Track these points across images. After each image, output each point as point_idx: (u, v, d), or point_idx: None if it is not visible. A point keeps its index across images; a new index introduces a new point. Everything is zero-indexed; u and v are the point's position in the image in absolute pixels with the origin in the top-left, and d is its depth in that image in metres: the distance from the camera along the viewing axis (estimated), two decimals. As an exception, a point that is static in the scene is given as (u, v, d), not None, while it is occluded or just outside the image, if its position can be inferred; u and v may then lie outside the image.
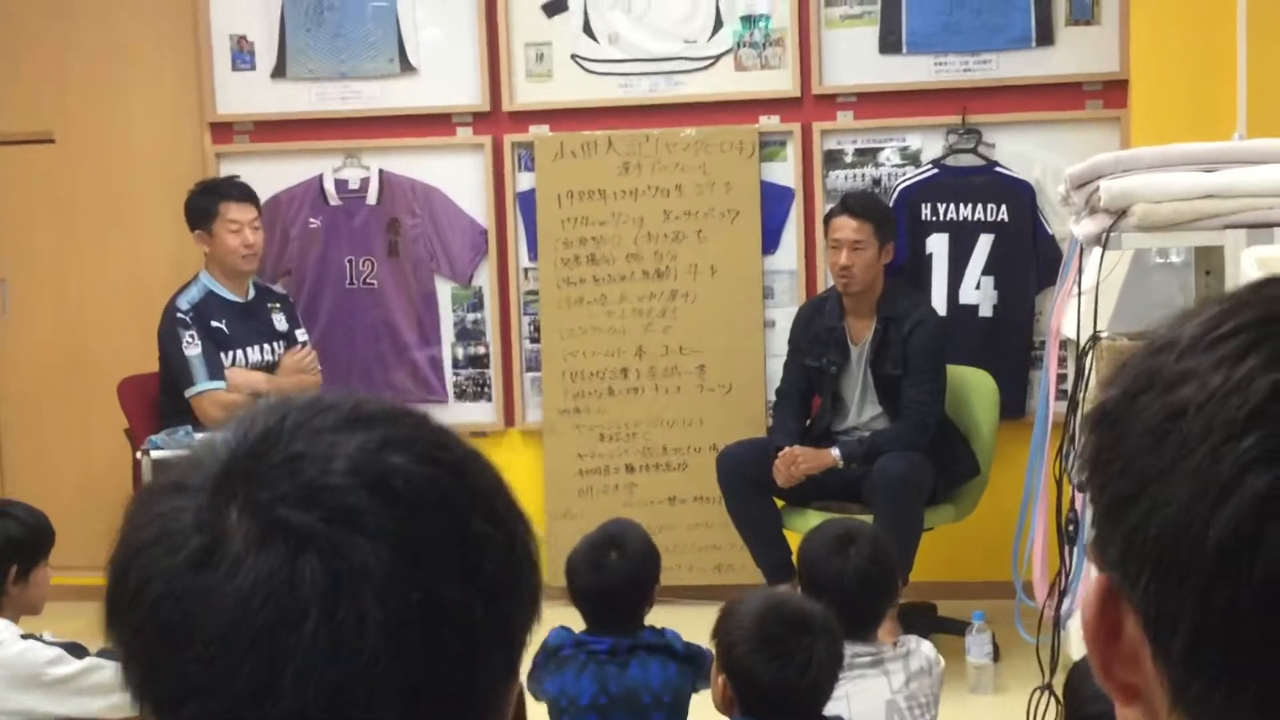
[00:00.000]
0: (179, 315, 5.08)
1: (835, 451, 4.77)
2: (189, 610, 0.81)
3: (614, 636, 3.29)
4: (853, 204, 4.89)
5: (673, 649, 3.34)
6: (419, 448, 0.86)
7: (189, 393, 5.00)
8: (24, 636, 3.25)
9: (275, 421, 0.86)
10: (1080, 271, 3.80)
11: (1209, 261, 3.76)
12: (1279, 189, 3.25)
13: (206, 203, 5.18)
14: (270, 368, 5.25)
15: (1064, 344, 4.20)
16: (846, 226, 4.82)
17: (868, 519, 4.58)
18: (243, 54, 5.68)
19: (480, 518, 0.86)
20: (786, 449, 4.79)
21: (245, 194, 5.25)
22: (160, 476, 0.88)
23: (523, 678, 3.27)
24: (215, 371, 5.03)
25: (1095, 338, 3.67)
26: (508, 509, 0.90)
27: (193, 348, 5.03)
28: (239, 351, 5.16)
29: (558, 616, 3.43)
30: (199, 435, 4.66)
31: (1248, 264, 2.32)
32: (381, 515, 0.82)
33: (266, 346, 5.24)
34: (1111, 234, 3.33)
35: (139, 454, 4.79)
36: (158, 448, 4.74)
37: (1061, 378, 4.36)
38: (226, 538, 0.81)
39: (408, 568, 0.81)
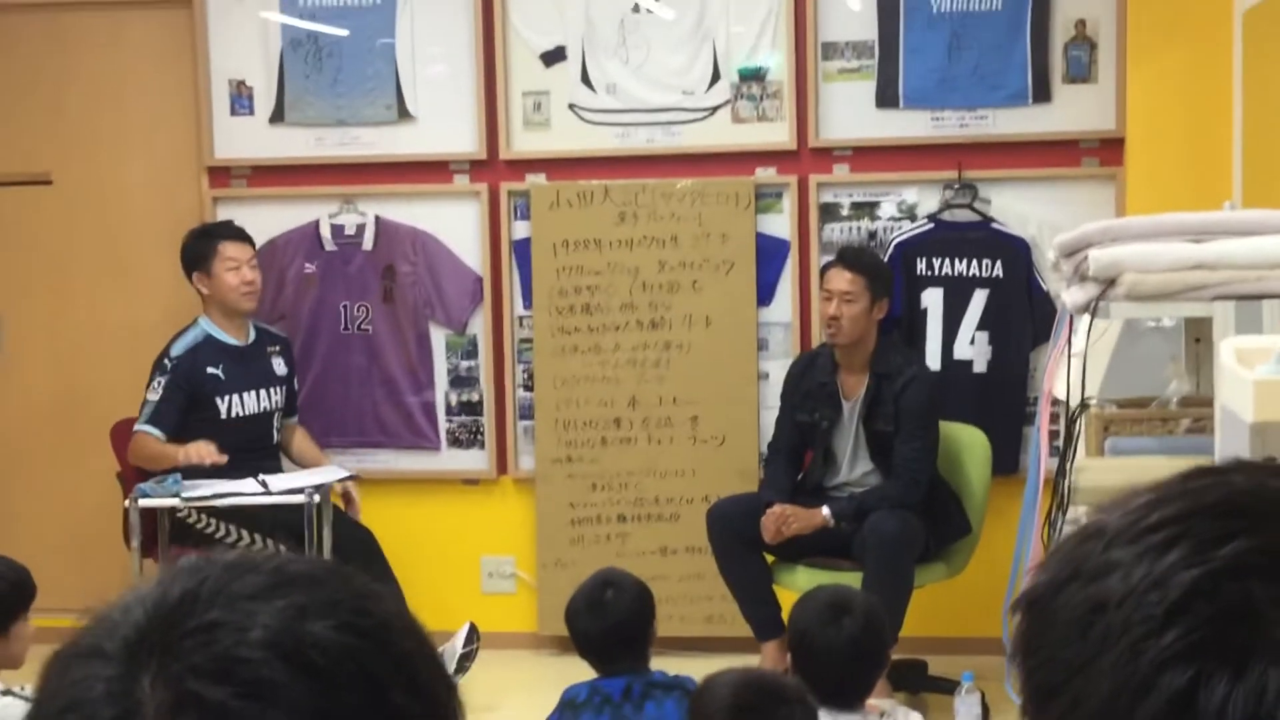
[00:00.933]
0: (164, 361, 5.10)
1: (826, 510, 4.76)
2: None
3: (626, 677, 3.32)
4: (847, 256, 4.90)
5: (686, 688, 3.36)
6: (340, 614, 0.84)
7: (134, 429, 5.04)
8: (3, 692, 3.24)
9: (194, 584, 0.85)
10: (1071, 333, 3.80)
11: (1199, 329, 3.76)
12: (1268, 261, 3.24)
13: (204, 245, 5.20)
14: (269, 415, 5.24)
15: (1056, 403, 4.20)
16: (839, 278, 4.83)
17: (857, 576, 4.58)
18: (241, 99, 5.70)
19: (400, 689, 0.85)
20: (777, 507, 4.78)
21: (241, 234, 5.28)
22: (78, 635, 0.87)
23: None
24: (156, 420, 5.03)
25: (1084, 404, 3.66)
26: (431, 675, 0.88)
27: (154, 393, 5.06)
28: (234, 397, 5.16)
29: (549, 665, 3.44)
30: (186, 482, 4.69)
31: (1225, 354, 2.31)
32: (297, 689, 0.80)
33: (264, 392, 5.24)
34: (1100, 303, 3.33)
35: (127, 502, 4.78)
36: (146, 495, 4.75)
37: (1054, 434, 4.35)
38: (138, 710, 0.80)
39: None
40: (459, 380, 5.69)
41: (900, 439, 4.78)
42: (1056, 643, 0.76)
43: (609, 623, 3.36)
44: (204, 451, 4.84)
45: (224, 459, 4.85)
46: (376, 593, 0.90)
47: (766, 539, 4.76)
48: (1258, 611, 0.71)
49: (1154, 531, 0.75)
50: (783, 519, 4.73)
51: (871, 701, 3.81)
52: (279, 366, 5.31)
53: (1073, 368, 3.61)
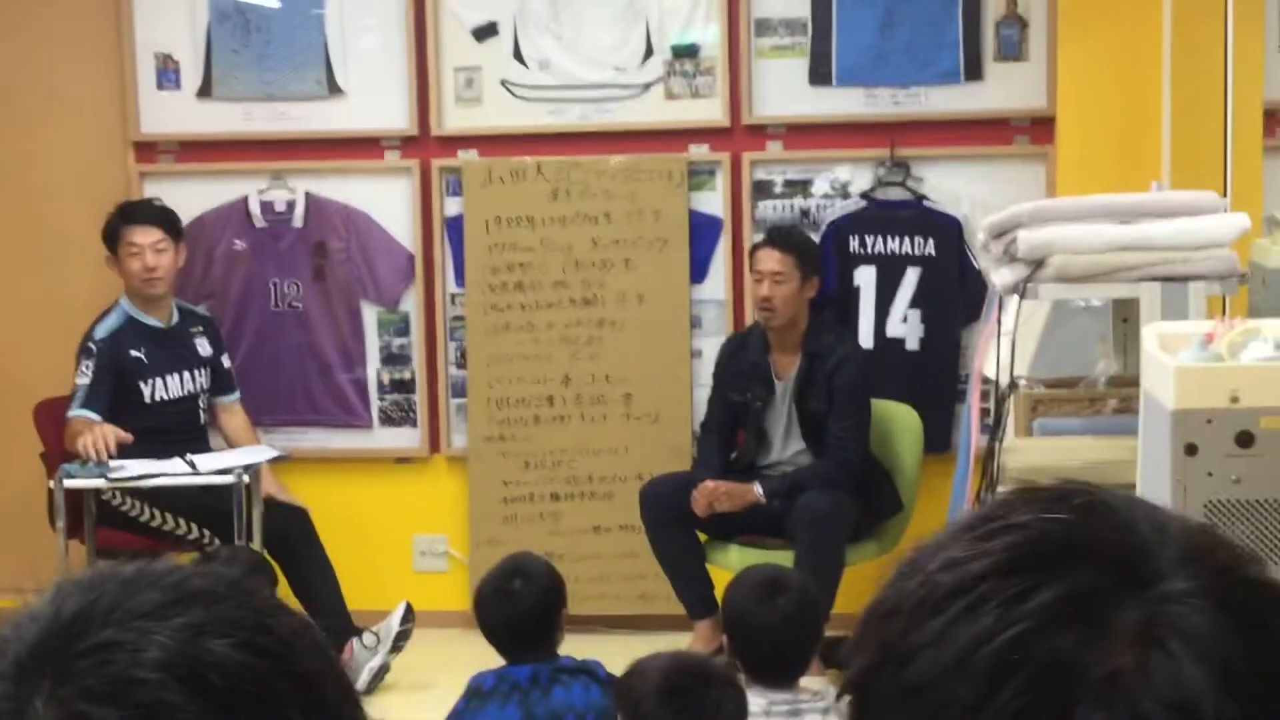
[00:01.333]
0: (88, 344, 5.03)
1: (758, 488, 4.76)
2: None
3: (533, 665, 3.32)
4: (776, 237, 4.90)
5: (594, 673, 3.36)
6: (241, 632, 0.82)
7: (66, 415, 4.96)
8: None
9: (88, 601, 0.82)
10: (1002, 313, 3.82)
11: (1127, 310, 3.79)
12: (1193, 243, 3.27)
13: (112, 228, 5.14)
14: (194, 397, 5.18)
15: (987, 382, 4.22)
16: (769, 259, 4.83)
17: (789, 555, 4.59)
18: (168, 73, 5.61)
19: (303, 709, 0.82)
20: (709, 482, 4.78)
21: (150, 216, 5.17)
22: None
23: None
24: (89, 403, 4.95)
25: (1013, 384, 3.68)
26: (336, 693, 0.86)
27: (83, 377, 4.99)
28: (158, 380, 5.09)
29: (481, 644, 3.43)
30: (113, 462, 4.62)
31: (1148, 339, 2.32)
32: (194, 711, 0.78)
33: (188, 374, 5.17)
34: (1029, 284, 3.34)
35: (52, 482, 4.72)
36: (71, 476, 4.68)
37: (985, 413, 4.38)
38: None
39: None
40: (391, 358, 5.65)
41: (832, 418, 4.78)
42: None
43: (516, 612, 3.34)
44: (99, 443, 4.70)
45: (126, 439, 4.74)
46: (280, 608, 0.87)
47: (698, 513, 4.77)
48: (1069, 661, 0.70)
49: (951, 600, 0.74)
50: (714, 494, 4.74)
51: (804, 681, 3.82)
52: (203, 347, 5.25)
53: (1002, 347, 3.63)
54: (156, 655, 0.79)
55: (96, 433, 4.72)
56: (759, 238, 5.06)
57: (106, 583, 0.84)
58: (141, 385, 5.06)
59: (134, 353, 5.06)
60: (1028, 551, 0.74)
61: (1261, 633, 0.73)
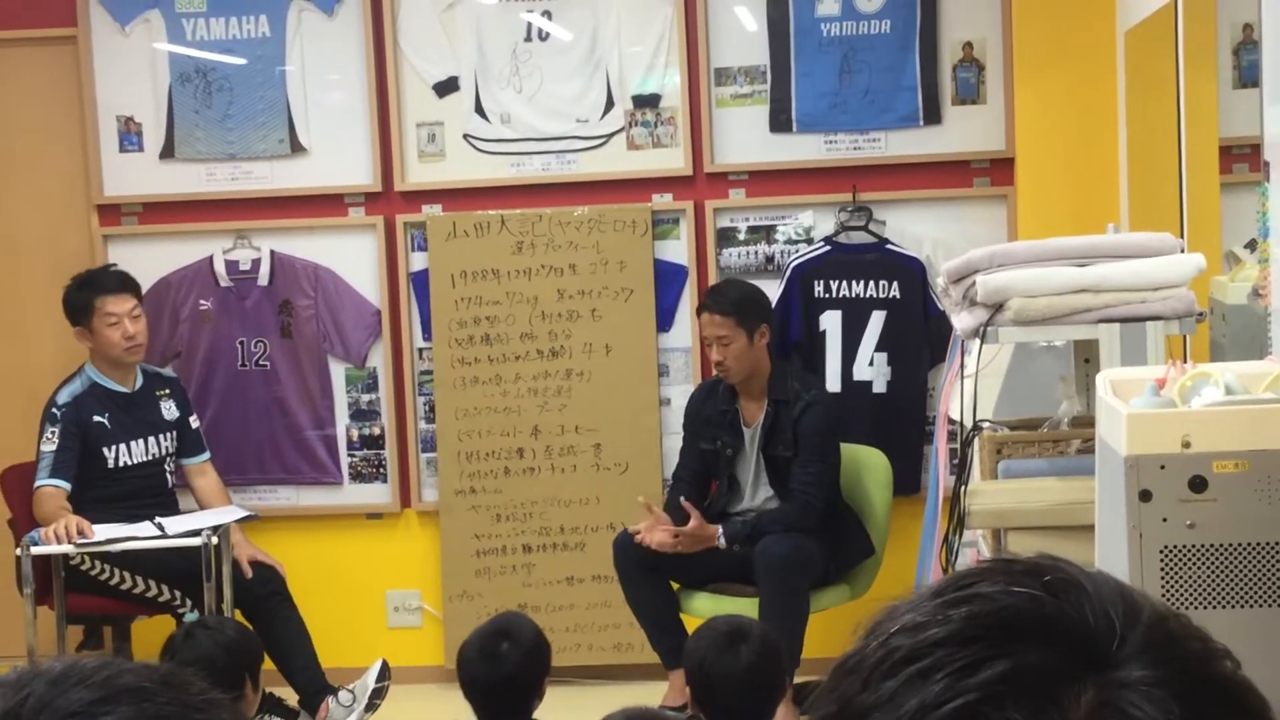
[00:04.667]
0: (52, 410, 5.01)
1: (720, 531, 4.77)
2: None
3: None
4: (710, 301, 4.89)
5: None
6: None
7: (34, 485, 4.92)
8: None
9: (16, 703, 0.82)
10: (964, 356, 3.84)
11: (1088, 350, 3.81)
12: (1148, 284, 3.29)
13: (83, 299, 5.10)
14: (159, 461, 5.16)
15: (953, 423, 4.24)
16: (710, 324, 4.84)
17: (755, 603, 4.59)
18: (130, 135, 5.62)
19: None
20: (668, 533, 4.76)
21: (122, 284, 5.16)
22: None
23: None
24: (57, 471, 4.93)
25: (977, 427, 3.70)
26: None
27: (49, 443, 4.95)
28: (121, 446, 5.07)
29: (457, 700, 3.42)
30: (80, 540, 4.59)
31: (1101, 386, 2.34)
32: None
33: (153, 440, 5.15)
34: (989, 328, 3.36)
35: (19, 550, 4.69)
36: (37, 544, 4.66)
37: (953, 454, 4.39)
38: None
39: None
40: (360, 414, 5.64)
41: (798, 464, 4.79)
42: None
43: (500, 675, 3.33)
44: (65, 532, 4.66)
45: (91, 534, 4.69)
46: (211, 703, 0.87)
47: (652, 543, 4.72)
48: None
49: (907, 664, 0.74)
50: (675, 540, 4.71)
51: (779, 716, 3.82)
52: (169, 411, 5.23)
53: (965, 390, 3.65)
54: None
55: (61, 528, 4.66)
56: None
57: (35, 682, 0.84)
58: (105, 451, 5.03)
59: (97, 418, 5.04)
60: (988, 624, 0.75)
61: None
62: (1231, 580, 2.05)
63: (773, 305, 5.09)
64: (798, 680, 4.88)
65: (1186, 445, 2.06)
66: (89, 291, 5.10)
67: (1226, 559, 2.05)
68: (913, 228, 5.36)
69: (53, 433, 4.96)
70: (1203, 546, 2.05)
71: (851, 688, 0.77)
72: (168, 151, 5.61)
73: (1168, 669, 0.73)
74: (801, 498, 4.76)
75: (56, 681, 0.83)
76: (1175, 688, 0.72)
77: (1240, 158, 4.67)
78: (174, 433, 5.22)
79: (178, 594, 4.88)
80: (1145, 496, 2.06)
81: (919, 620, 0.77)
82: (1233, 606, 2.04)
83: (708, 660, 3.25)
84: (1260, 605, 2.04)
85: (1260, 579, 2.05)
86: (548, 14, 5.46)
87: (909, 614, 0.78)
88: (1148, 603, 0.77)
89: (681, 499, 4.83)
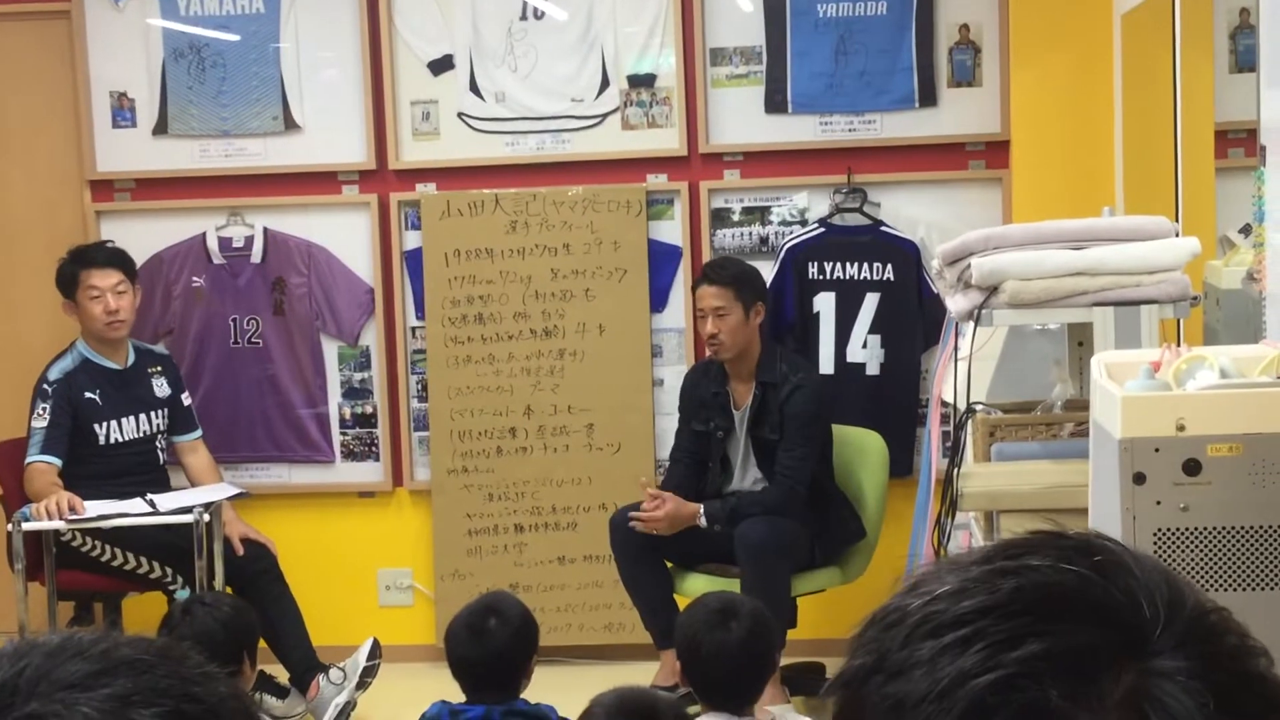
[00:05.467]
0: (43, 386, 4.99)
1: (701, 509, 4.78)
2: None
3: (487, 705, 3.30)
4: (711, 272, 4.90)
5: (547, 718, 3.34)
6: (168, 701, 0.82)
7: (25, 461, 4.91)
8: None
9: (13, 674, 0.82)
10: (958, 338, 3.84)
11: (1082, 333, 3.81)
12: (1144, 267, 3.29)
13: (69, 273, 5.08)
14: (150, 439, 5.15)
15: (946, 406, 4.24)
16: (708, 295, 4.84)
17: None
18: (123, 111, 5.60)
19: None
20: (659, 492, 4.79)
21: (109, 259, 5.13)
22: None
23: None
24: (49, 447, 4.92)
25: (970, 410, 3.70)
26: None
27: (40, 420, 4.94)
28: (113, 423, 5.06)
29: (448, 678, 3.42)
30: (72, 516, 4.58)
31: (1096, 369, 2.33)
32: None
33: (143, 417, 5.14)
34: (983, 310, 3.36)
35: (10, 526, 4.69)
36: (28, 519, 4.65)
37: (946, 436, 4.39)
38: None
39: None
40: (352, 392, 5.63)
41: (783, 446, 4.79)
42: None
43: (487, 652, 3.32)
44: (56, 508, 4.66)
45: (82, 511, 4.69)
46: (209, 676, 0.87)
47: (640, 520, 4.76)
48: (1052, 714, 0.71)
49: (950, 629, 0.75)
50: (658, 500, 4.73)
51: (767, 707, 3.83)
52: (160, 387, 5.21)
53: (959, 373, 3.64)
54: None
55: (52, 504, 4.66)
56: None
57: (32, 654, 0.83)
58: (96, 428, 5.02)
59: (88, 394, 5.02)
60: (1034, 598, 0.75)
61: None
62: (1224, 563, 2.05)
63: (767, 287, 5.09)
64: (789, 662, 4.90)
65: (1181, 428, 2.06)
66: (75, 264, 5.09)
67: (1220, 542, 2.05)
68: (907, 210, 5.36)
69: (44, 409, 4.95)
70: (1196, 530, 2.05)
71: (892, 641, 0.77)
72: (161, 128, 5.59)
73: (1206, 662, 0.74)
74: (784, 482, 4.76)
75: (54, 653, 0.83)
76: (1211, 681, 0.73)
77: (1235, 142, 4.67)
78: (165, 410, 5.21)
79: (169, 571, 4.87)
80: (1139, 479, 2.06)
81: (966, 585, 0.77)
82: (1225, 590, 2.04)
83: (698, 635, 3.25)
84: (1253, 589, 2.05)
85: (1253, 562, 2.05)
86: (543, -8, 5.44)
87: (954, 576, 0.78)
88: (1191, 593, 0.78)
89: (642, 481, 4.84)
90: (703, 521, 4.76)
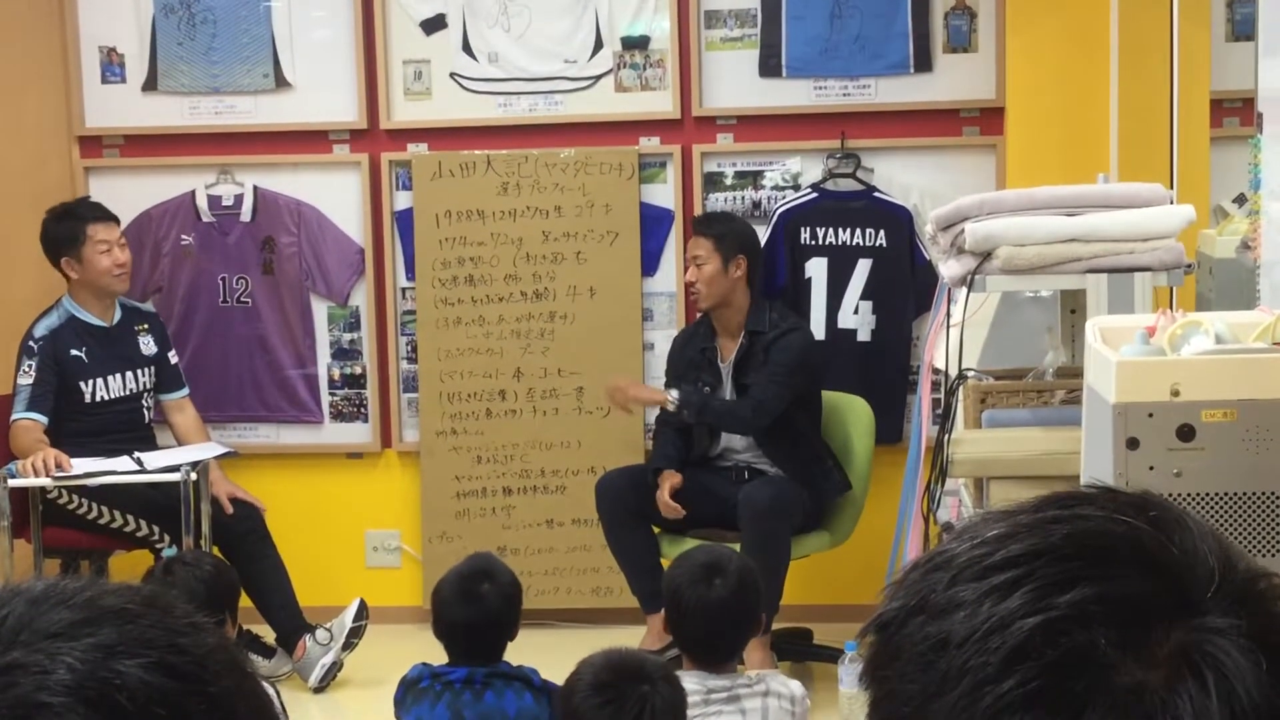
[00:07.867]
0: (29, 343, 4.97)
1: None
2: None
3: (469, 667, 3.29)
4: (696, 223, 5.02)
5: (530, 680, 3.34)
6: (153, 652, 0.80)
7: (11, 418, 4.89)
8: None
9: None
10: (950, 305, 3.82)
11: (1074, 300, 3.79)
12: (1138, 234, 3.28)
13: (69, 229, 5.04)
14: (137, 396, 5.12)
15: (937, 373, 4.23)
16: (693, 245, 4.94)
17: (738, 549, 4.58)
18: (113, 66, 5.56)
19: None
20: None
21: (106, 213, 5.11)
22: None
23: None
24: (35, 404, 4.90)
25: (962, 376, 3.69)
26: (251, 713, 0.84)
27: (26, 377, 4.92)
28: (99, 380, 5.03)
29: (434, 640, 3.41)
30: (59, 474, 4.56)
31: (1090, 334, 2.32)
32: None
33: (130, 375, 5.11)
34: (976, 276, 3.34)
35: (-4, 481, 4.67)
36: (14, 476, 4.63)
37: (937, 404, 4.38)
38: None
39: None
40: (341, 353, 5.61)
41: (762, 375, 4.79)
42: (901, 675, 0.75)
43: (477, 617, 3.31)
44: (43, 465, 4.64)
45: (69, 467, 4.67)
46: (196, 626, 0.85)
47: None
48: (1099, 659, 0.70)
49: (999, 571, 0.74)
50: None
51: (755, 673, 3.82)
52: (147, 346, 5.19)
53: (951, 339, 3.63)
54: (64, 678, 0.77)
55: (39, 461, 4.64)
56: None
57: (14, 602, 0.81)
58: (82, 385, 4.99)
59: (74, 351, 4.99)
60: (1087, 544, 0.74)
61: None
62: (1218, 529, 2.04)
63: (759, 243, 5.08)
64: (781, 626, 4.90)
65: (1175, 394, 2.05)
66: (76, 221, 5.05)
67: (1213, 508, 2.04)
68: (901, 176, 5.34)
69: (30, 366, 4.92)
70: (1189, 495, 2.04)
71: (937, 583, 0.76)
72: (150, 84, 5.55)
73: (1258, 623, 0.73)
74: (755, 398, 4.77)
75: (37, 601, 0.81)
76: (1264, 642, 0.72)
77: (1231, 111, 4.66)
78: (152, 368, 5.18)
79: (156, 529, 4.86)
80: (1133, 444, 2.05)
81: (1015, 530, 0.76)
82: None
83: (682, 589, 3.24)
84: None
85: (1247, 528, 2.04)
86: (537, -48, 5.40)
87: (1003, 523, 0.77)
88: (1243, 558, 0.77)
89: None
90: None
